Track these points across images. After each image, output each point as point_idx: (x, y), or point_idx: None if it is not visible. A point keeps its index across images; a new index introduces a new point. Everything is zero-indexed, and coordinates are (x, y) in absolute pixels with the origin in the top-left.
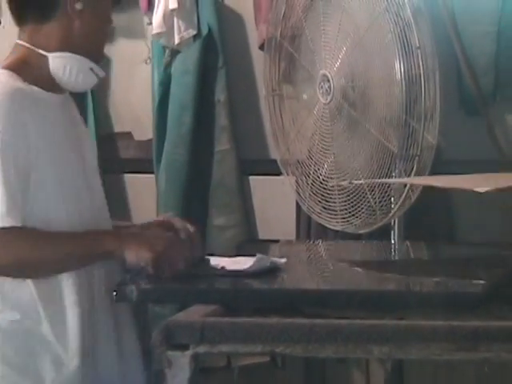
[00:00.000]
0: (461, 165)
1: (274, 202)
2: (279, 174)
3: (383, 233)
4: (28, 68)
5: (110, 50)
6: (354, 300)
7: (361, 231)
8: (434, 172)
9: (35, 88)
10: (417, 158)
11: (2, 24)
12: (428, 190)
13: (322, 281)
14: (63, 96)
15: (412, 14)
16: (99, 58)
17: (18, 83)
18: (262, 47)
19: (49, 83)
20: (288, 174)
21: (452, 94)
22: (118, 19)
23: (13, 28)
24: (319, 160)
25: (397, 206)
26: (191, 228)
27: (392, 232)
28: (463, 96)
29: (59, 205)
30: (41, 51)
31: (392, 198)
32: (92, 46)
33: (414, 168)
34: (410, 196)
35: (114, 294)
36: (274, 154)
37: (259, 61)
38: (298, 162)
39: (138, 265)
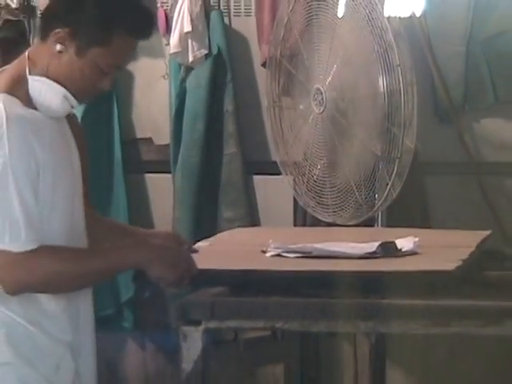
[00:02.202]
0: (435, 166)
1: (275, 198)
2: (279, 173)
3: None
4: (23, 90)
5: (133, 66)
6: (343, 281)
7: (349, 223)
8: (412, 172)
9: (34, 111)
10: (397, 160)
11: None
12: (407, 187)
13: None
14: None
15: (393, 37)
16: (79, 99)
17: (19, 109)
18: (264, 65)
19: None
20: (287, 174)
21: (427, 105)
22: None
23: None
24: (313, 162)
25: (380, 202)
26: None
27: (376, 223)
28: (437, 106)
29: (56, 220)
30: (26, 72)
31: (376, 195)
32: (70, 86)
33: (395, 169)
34: (392, 193)
35: (137, 276)
36: (275, 156)
37: (262, 76)
38: (295, 163)
39: (157, 280)
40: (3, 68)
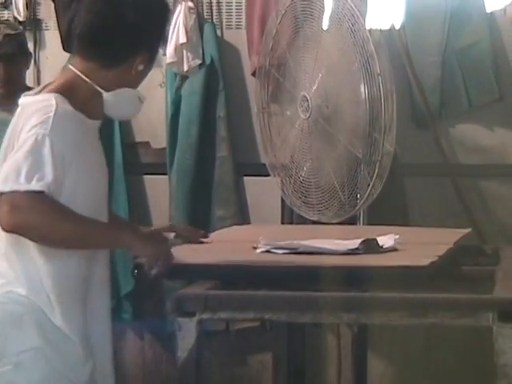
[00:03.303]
0: (413, 168)
1: (264, 197)
2: (268, 175)
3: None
4: (75, 94)
5: None
6: (327, 275)
7: (333, 221)
8: (392, 173)
9: (80, 114)
10: (378, 162)
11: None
12: (387, 187)
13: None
14: (98, 123)
15: (374, 47)
16: None
17: (68, 107)
18: (254, 74)
19: (90, 111)
20: (275, 175)
21: (406, 111)
22: None
23: (56, 59)
24: (300, 164)
25: (362, 201)
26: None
27: (358, 222)
28: (415, 112)
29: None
30: (97, 87)
31: (358, 195)
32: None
33: (376, 170)
34: (373, 193)
35: (135, 271)
36: (264, 159)
37: (252, 85)
38: (283, 165)
39: (139, 258)
40: (47, 83)
